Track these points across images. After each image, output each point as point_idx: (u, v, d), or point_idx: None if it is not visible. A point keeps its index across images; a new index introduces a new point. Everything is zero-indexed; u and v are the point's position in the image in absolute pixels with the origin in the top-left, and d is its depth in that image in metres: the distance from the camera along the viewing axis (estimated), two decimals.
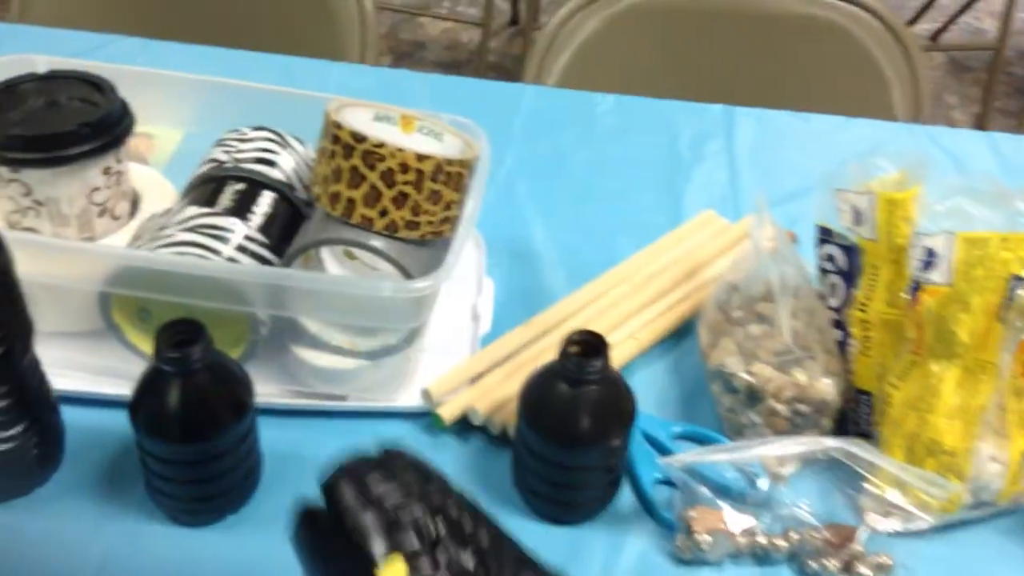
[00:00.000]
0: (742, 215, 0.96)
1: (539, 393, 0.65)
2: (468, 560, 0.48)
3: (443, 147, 0.72)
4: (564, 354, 0.63)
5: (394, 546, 0.47)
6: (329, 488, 0.49)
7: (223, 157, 0.77)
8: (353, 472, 0.49)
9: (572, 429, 0.64)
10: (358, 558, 0.47)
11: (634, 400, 0.67)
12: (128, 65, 0.83)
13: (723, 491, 0.68)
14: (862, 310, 0.72)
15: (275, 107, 0.83)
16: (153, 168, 0.87)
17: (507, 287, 0.87)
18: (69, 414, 0.70)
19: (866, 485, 0.68)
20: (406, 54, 2.70)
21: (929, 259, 0.64)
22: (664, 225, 0.94)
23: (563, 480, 0.66)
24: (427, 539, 0.48)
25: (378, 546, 0.47)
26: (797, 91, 1.24)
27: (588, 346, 0.64)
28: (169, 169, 0.88)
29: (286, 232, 0.74)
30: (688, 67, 1.30)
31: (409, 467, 0.51)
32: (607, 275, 0.88)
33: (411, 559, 0.47)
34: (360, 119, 0.69)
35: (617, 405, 0.66)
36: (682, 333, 0.85)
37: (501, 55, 2.68)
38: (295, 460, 0.70)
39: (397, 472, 0.50)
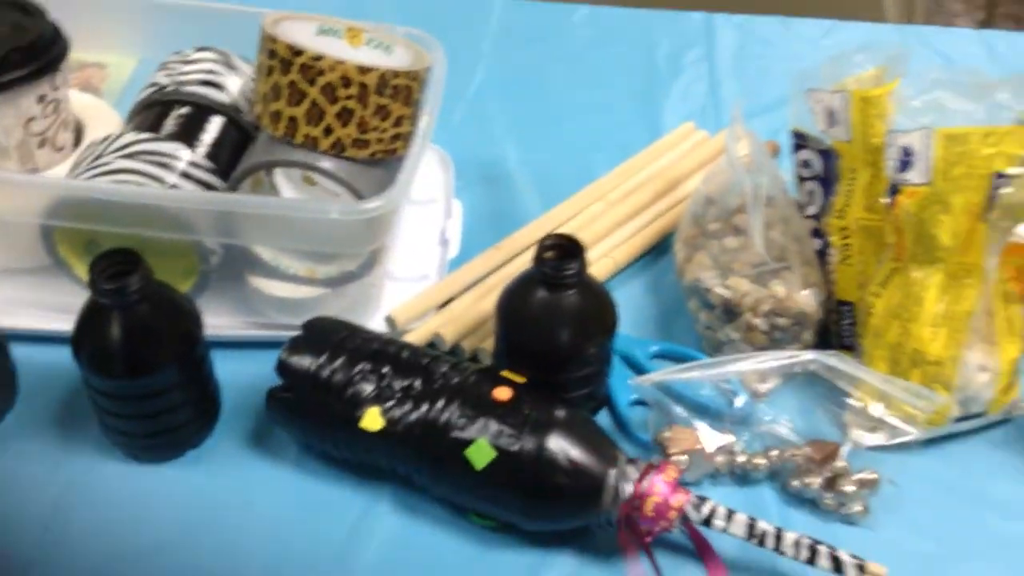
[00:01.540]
0: (723, 127, 0.92)
1: (516, 301, 0.62)
2: (416, 382, 0.60)
3: (392, 60, 0.68)
4: (540, 259, 0.60)
5: (356, 396, 0.60)
6: (282, 367, 0.62)
7: (164, 81, 0.73)
8: (295, 349, 0.62)
9: (552, 334, 0.61)
10: (336, 416, 0.60)
11: (615, 306, 0.64)
12: None
13: (699, 410, 0.66)
14: (840, 217, 0.68)
15: (231, 28, 0.78)
16: (107, 98, 0.83)
17: (478, 210, 0.84)
18: (23, 352, 0.68)
19: (849, 400, 0.65)
20: None
21: (906, 158, 0.60)
22: (642, 140, 0.90)
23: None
24: (379, 380, 0.60)
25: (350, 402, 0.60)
26: None
27: (564, 250, 0.61)
28: (124, 99, 0.84)
29: (236, 158, 0.71)
30: None
31: (334, 327, 0.63)
32: (581, 193, 0.84)
33: (375, 401, 0.59)
34: (302, 33, 0.65)
35: (597, 310, 0.63)
36: (660, 251, 0.82)
37: None
38: (258, 392, 0.67)
39: (327, 335, 0.63)
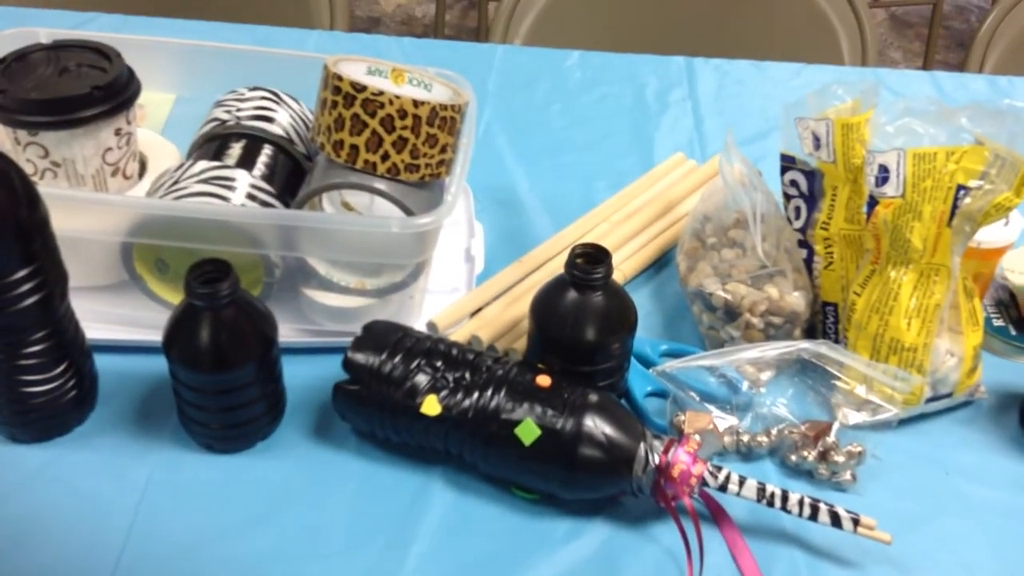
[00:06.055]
0: (708, 157, 1.03)
1: (549, 301, 0.71)
2: (466, 374, 0.68)
3: (433, 95, 0.77)
4: (571, 264, 0.70)
5: (415, 386, 0.68)
6: (348, 363, 0.69)
7: (224, 116, 0.81)
8: (359, 348, 0.70)
9: (581, 330, 0.70)
10: (397, 404, 0.68)
11: (635, 307, 0.73)
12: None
13: (709, 397, 0.75)
14: (824, 228, 0.79)
15: (262, 69, 0.87)
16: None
17: (496, 232, 0.93)
18: (100, 361, 0.75)
19: (837, 384, 0.75)
20: (363, 30, 2.72)
21: (883, 175, 0.71)
22: (637, 169, 1.01)
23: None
24: (434, 372, 0.68)
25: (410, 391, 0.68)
26: (752, 43, 1.31)
27: (591, 257, 0.71)
28: (165, 133, 0.92)
29: (287, 183, 0.79)
30: (647, 22, 1.36)
31: (390, 329, 0.71)
32: (587, 216, 0.94)
33: (431, 391, 0.68)
34: (355, 72, 0.74)
35: (620, 309, 0.72)
36: (660, 265, 0.91)
37: (456, 28, 2.72)
38: (314, 392, 0.76)
39: (386, 336, 0.70)
